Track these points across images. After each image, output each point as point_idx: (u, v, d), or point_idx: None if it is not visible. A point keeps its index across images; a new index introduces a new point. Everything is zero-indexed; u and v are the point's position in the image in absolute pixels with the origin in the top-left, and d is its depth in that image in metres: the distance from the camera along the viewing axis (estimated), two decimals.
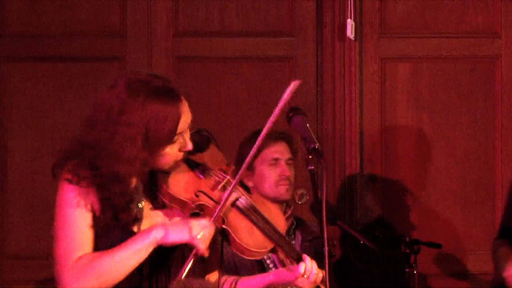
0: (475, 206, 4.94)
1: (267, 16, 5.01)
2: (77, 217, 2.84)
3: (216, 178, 3.02)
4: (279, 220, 3.12)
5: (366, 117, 5.03)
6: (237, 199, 3.03)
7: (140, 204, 2.94)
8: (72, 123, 4.80)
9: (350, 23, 4.83)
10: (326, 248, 2.80)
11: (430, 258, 4.90)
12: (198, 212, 2.93)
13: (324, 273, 3.08)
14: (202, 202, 2.93)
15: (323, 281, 3.17)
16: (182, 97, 2.88)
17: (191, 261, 2.82)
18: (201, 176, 2.97)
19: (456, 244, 4.98)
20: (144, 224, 2.90)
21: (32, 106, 5.07)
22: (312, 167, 2.81)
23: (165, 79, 2.89)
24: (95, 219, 2.82)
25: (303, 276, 3.14)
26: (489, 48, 4.95)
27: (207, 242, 2.88)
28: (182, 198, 2.92)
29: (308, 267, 3.14)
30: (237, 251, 3.00)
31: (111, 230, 2.83)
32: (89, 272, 2.82)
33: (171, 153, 2.88)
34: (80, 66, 5.02)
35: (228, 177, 3.03)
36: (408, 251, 4.09)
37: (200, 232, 2.82)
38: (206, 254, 2.84)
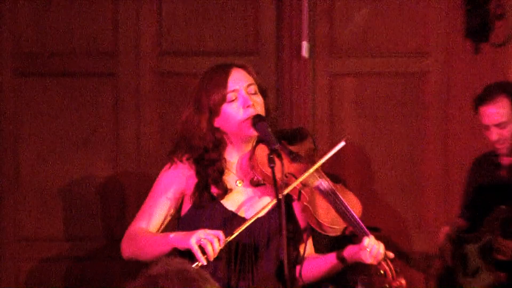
0: (408, 194, 5.35)
1: (236, 38, 5.38)
2: (156, 195, 3.45)
3: (304, 165, 3.40)
4: (355, 205, 3.45)
5: (318, 125, 5.36)
6: (320, 183, 3.40)
7: (239, 182, 3.46)
8: (71, 129, 5.35)
9: (305, 44, 5.18)
10: (285, 235, 3.12)
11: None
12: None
13: (389, 254, 3.41)
14: (289, 182, 3.33)
15: (386, 259, 3.41)
16: (233, 67, 3.41)
17: (195, 264, 3.20)
18: (292, 161, 3.37)
19: (394, 227, 5.35)
20: (228, 197, 3.43)
21: (39, 115, 5.40)
22: (273, 165, 3.15)
23: (223, 64, 3.48)
24: (193, 191, 3.37)
25: (365, 249, 3.34)
26: (420, 66, 5.34)
27: (209, 250, 3.21)
28: (271, 176, 3.31)
29: (372, 242, 3.34)
30: (314, 226, 3.39)
31: (203, 204, 3.37)
32: (129, 240, 3.40)
33: (234, 112, 3.33)
34: (78, 81, 5.34)
35: (314, 165, 3.45)
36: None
37: (199, 240, 3.17)
38: (204, 262, 3.17)
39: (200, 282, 2.09)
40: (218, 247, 3.15)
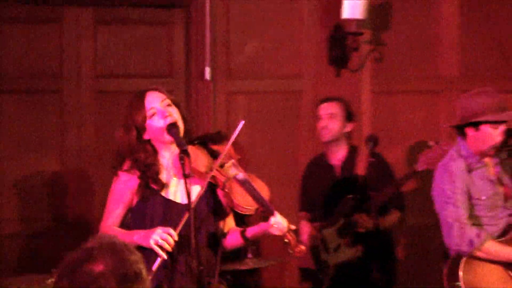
0: (287, 184, 5.84)
1: (155, 64, 5.99)
2: (114, 201, 3.81)
3: (223, 161, 3.78)
4: (264, 191, 3.85)
5: (219, 129, 5.26)
6: (237, 174, 3.78)
7: (173, 176, 3.80)
8: (25, 135, 5.88)
9: (207, 69, 5.83)
10: (192, 211, 3.42)
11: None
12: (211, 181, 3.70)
13: (291, 226, 3.79)
14: (212, 174, 3.69)
15: (289, 231, 3.80)
16: (147, 91, 3.75)
17: (158, 261, 3.51)
18: (213, 158, 3.78)
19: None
20: (166, 189, 3.79)
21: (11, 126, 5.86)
22: (183, 161, 3.51)
23: (139, 91, 3.80)
24: (138, 189, 3.73)
25: (273, 225, 3.76)
26: (296, 86, 6.03)
27: (165, 245, 3.54)
28: (199, 170, 3.71)
29: (278, 219, 3.77)
30: (234, 207, 3.82)
31: (147, 197, 3.75)
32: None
33: (156, 123, 3.72)
34: (30, 97, 5.89)
35: (232, 160, 3.80)
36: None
37: (157, 242, 3.53)
38: (165, 257, 3.52)
39: (126, 253, 2.26)
40: (172, 241, 3.53)
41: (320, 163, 5.51)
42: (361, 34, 5.84)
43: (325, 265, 5.29)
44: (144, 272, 2.30)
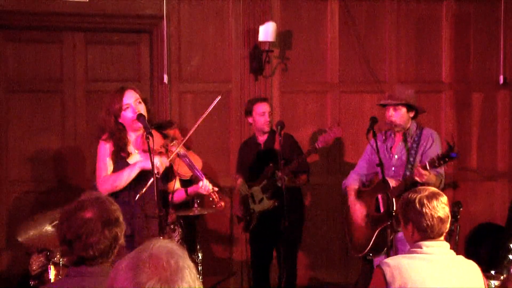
0: (221, 157, 6.51)
1: (128, 71, 6.47)
2: (103, 159, 4.03)
3: (171, 141, 4.02)
4: (198, 163, 4.08)
5: (174, 118, 6.25)
6: (179, 151, 4.00)
7: (135, 150, 4.05)
8: (36, 122, 6.28)
9: (165, 76, 6.31)
10: (155, 174, 3.64)
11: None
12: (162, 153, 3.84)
13: (215, 188, 3.96)
14: (162, 151, 3.91)
15: (213, 191, 3.98)
16: (126, 89, 3.98)
17: (152, 179, 3.74)
18: (165, 139, 3.97)
19: (209, 172, 6.13)
20: (130, 158, 3.99)
21: (17, 115, 6.28)
22: (148, 140, 3.70)
23: (120, 87, 4.00)
24: (112, 155, 3.97)
25: (202, 187, 3.98)
26: (226, 88, 6.47)
27: (162, 167, 3.81)
28: (155, 148, 3.82)
29: (204, 183, 3.98)
30: (177, 175, 4.04)
31: (118, 161, 3.99)
32: (107, 181, 3.95)
33: (128, 115, 3.96)
34: (40, 95, 6.33)
35: (176, 141, 4.03)
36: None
37: (157, 162, 3.74)
38: (160, 171, 3.76)
39: (108, 203, 2.41)
40: (164, 165, 3.86)
41: (251, 142, 5.89)
42: (272, 51, 6.45)
43: (253, 211, 5.64)
44: (121, 218, 2.44)
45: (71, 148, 6.36)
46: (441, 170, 4.75)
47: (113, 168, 4.03)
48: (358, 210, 5.02)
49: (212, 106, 3.97)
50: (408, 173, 4.83)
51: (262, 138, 5.73)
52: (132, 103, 3.99)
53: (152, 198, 3.80)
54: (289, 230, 5.05)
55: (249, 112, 5.71)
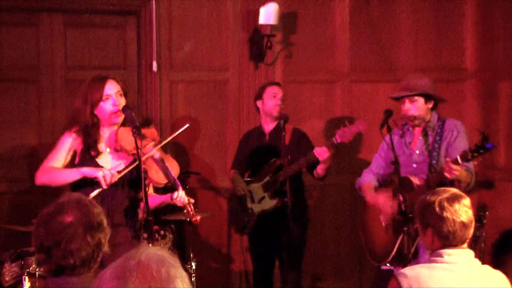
0: (216, 152, 6.54)
1: (113, 58, 6.52)
2: (59, 150, 4.05)
3: (147, 142, 3.99)
4: (175, 169, 4.05)
5: (163, 113, 6.49)
6: (154, 154, 4.01)
7: (107, 149, 4.07)
8: (12, 113, 6.34)
9: (154, 63, 6.40)
10: (143, 178, 3.71)
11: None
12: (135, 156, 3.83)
13: (191, 200, 3.96)
14: (134, 152, 3.87)
15: (189, 203, 3.98)
16: (108, 78, 4.01)
17: (96, 191, 3.84)
18: (140, 139, 3.84)
19: (207, 171, 6.53)
20: (100, 158, 4.01)
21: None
22: (135, 135, 3.79)
23: (101, 75, 4.03)
24: (80, 152, 3.94)
25: (177, 198, 3.97)
26: (224, 76, 6.62)
27: (107, 180, 3.81)
28: (126, 148, 3.93)
29: (179, 194, 3.97)
30: (150, 181, 4.03)
31: (86, 159, 4.00)
32: (47, 172, 4.04)
33: (107, 107, 3.99)
34: (15, 84, 6.41)
35: (152, 143, 4.05)
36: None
37: (104, 175, 3.81)
38: (105, 187, 3.81)
39: (90, 206, 2.45)
40: (114, 179, 3.94)
41: (255, 131, 5.86)
42: (274, 36, 6.45)
43: (251, 212, 5.62)
44: (105, 222, 2.46)
45: (49, 144, 6.03)
46: (471, 165, 4.69)
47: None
48: (385, 204, 5.00)
49: (178, 132, 4.10)
50: (432, 169, 4.84)
51: (268, 128, 5.70)
52: (114, 94, 4.04)
53: (119, 207, 3.95)
54: (292, 235, 5.16)
55: (259, 96, 5.72)
